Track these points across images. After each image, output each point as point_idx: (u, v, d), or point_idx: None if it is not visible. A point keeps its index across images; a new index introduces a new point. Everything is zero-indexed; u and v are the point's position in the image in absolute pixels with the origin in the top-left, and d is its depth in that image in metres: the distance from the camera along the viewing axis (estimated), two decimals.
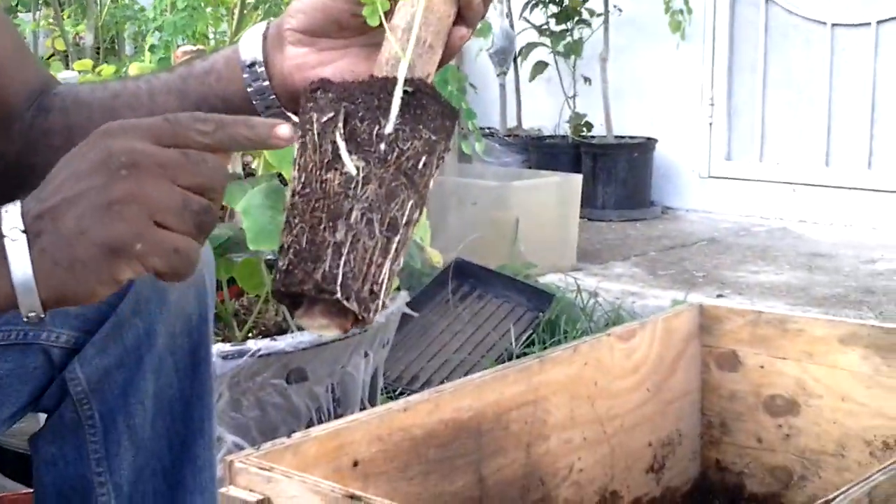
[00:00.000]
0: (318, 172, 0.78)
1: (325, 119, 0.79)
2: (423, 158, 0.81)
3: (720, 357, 1.62)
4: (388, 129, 0.79)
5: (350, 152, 0.78)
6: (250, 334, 1.96)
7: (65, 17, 3.28)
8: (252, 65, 0.94)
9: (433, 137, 0.81)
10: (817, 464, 1.54)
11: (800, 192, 4.58)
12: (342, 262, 0.76)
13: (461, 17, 0.87)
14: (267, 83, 0.94)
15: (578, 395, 1.45)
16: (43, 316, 0.74)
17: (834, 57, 4.51)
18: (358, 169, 0.78)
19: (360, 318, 0.78)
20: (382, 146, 0.79)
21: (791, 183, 4.60)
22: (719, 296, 1.55)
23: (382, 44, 0.86)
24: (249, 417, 1.75)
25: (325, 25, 0.92)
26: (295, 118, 0.97)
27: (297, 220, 0.78)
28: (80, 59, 2.66)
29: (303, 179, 0.79)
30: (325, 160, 0.78)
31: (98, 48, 3.10)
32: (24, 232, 0.73)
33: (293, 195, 0.79)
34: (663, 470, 1.57)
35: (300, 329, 1.90)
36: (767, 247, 4.04)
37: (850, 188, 4.43)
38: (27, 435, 1.83)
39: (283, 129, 0.78)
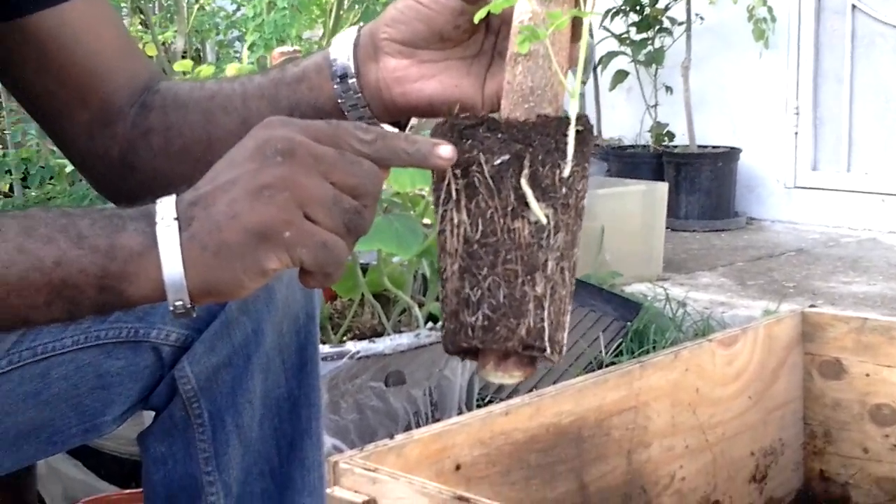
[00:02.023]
0: (502, 221, 0.75)
1: (498, 161, 0.75)
2: (586, 194, 0.79)
3: (823, 365, 1.58)
4: (567, 172, 0.76)
5: (537, 199, 0.75)
6: (345, 337, 1.96)
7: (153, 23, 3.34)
8: (343, 75, 0.92)
9: (590, 171, 0.79)
10: None
11: (889, 203, 4.49)
12: (545, 316, 0.75)
13: (573, 34, 0.83)
14: (359, 94, 0.92)
15: (680, 401, 1.42)
16: (190, 307, 0.73)
17: None
18: (547, 217, 0.75)
19: (552, 361, 0.77)
20: (564, 190, 0.76)
21: (880, 193, 4.51)
22: (812, 306, 1.52)
23: (509, 67, 0.82)
24: (348, 420, 1.75)
25: (427, 37, 0.90)
26: (390, 128, 0.95)
27: (485, 272, 0.75)
28: (170, 63, 2.69)
29: (481, 226, 0.75)
30: (509, 207, 0.75)
31: (184, 54, 3.14)
32: (177, 219, 0.73)
33: (468, 242, 0.75)
34: (766, 480, 1.54)
35: (397, 331, 1.90)
36: (858, 258, 3.97)
37: None
38: (123, 439, 1.85)
39: (446, 150, 0.76)
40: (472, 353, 0.78)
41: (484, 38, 0.92)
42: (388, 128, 0.95)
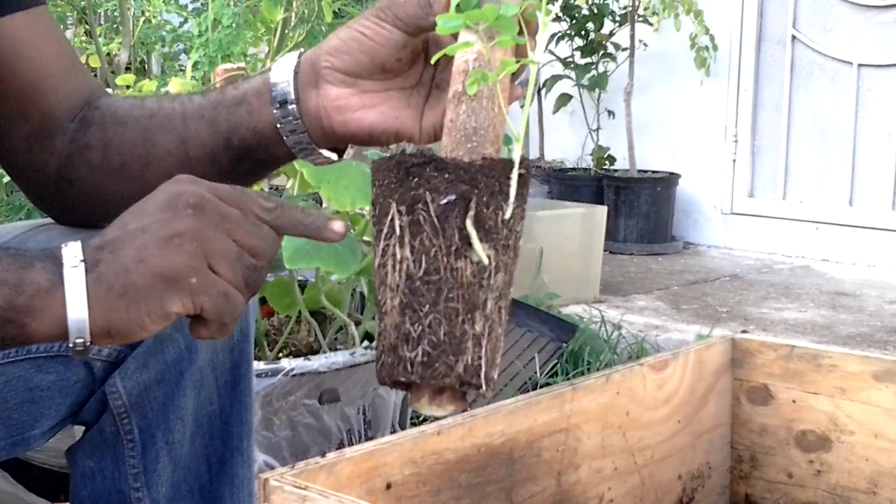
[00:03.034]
0: (445, 259, 0.76)
1: (444, 201, 0.77)
2: (522, 234, 0.81)
3: (751, 391, 1.61)
4: (508, 214, 0.78)
5: (481, 240, 0.77)
6: (280, 354, 1.95)
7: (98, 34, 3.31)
8: (283, 101, 0.93)
9: (527, 205, 0.81)
10: (848, 501, 1.52)
11: (823, 231, 4.56)
12: (482, 354, 0.77)
13: (513, 74, 0.85)
14: (298, 120, 0.93)
15: (610, 424, 1.44)
16: (89, 345, 0.76)
17: (859, 97, 4.50)
18: (489, 258, 0.77)
19: (484, 396, 0.79)
20: (505, 232, 0.78)
21: (814, 221, 4.59)
22: (744, 331, 1.55)
23: (452, 105, 0.83)
24: (281, 437, 1.75)
25: (369, 68, 0.91)
26: (328, 154, 0.96)
27: (427, 309, 0.76)
28: (114, 74, 2.68)
29: (424, 263, 0.76)
30: (453, 247, 0.76)
31: (129, 66, 3.12)
32: (84, 261, 0.76)
33: (411, 278, 0.77)
34: (692, 503, 1.56)
35: (333, 349, 1.90)
36: (790, 284, 4.03)
37: (873, 228, 4.42)
38: (53, 451, 1.82)
39: (338, 226, 0.84)
40: (406, 386, 0.80)
41: (423, 69, 0.93)
42: (326, 154, 0.96)
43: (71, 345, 0.75)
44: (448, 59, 0.87)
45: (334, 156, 0.96)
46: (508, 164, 0.79)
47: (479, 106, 0.82)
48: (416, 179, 0.78)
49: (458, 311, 0.76)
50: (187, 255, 0.75)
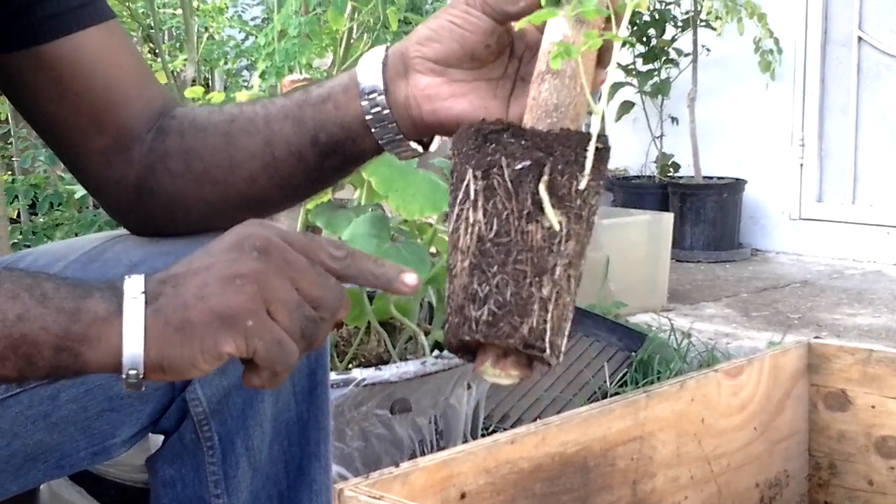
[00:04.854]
0: (516, 223, 0.77)
1: (519, 166, 0.78)
2: (597, 209, 0.81)
3: (829, 396, 1.58)
4: (583, 184, 0.79)
5: (553, 206, 0.78)
6: (350, 365, 1.96)
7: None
8: (371, 92, 0.93)
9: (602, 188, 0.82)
10: None
11: (894, 235, 4.49)
12: (548, 318, 0.77)
13: (599, 59, 0.86)
14: (387, 111, 0.93)
15: (685, 431, 1.42)
16: (142, 377, 0.76)
17: None
18: (560, 224, 0.78)
19: (549, 365, 0.79)
20: (578, 202, 0.79)
21: (885, 225, 4.52)
22: (816, 338, 1.54)
23: (535, 84, 0.84)
24: (353, 447, 1.75)
25: (460, 56, 0.92)
26: (415, 146, 0.97)
27: (495, 270, 0.77)
28: (180, 91, 2.71)
29: (496, 226, 0.78)
30: (525, 211, 0.77)
31: (194, 82, 3.16)
32: (144, 293, 0.76)
33: (481, 240, 0.78)
34: None
35: (403, 359, 1.90)
36: (863, 290, 3.97)
37: None
38: (127, 465, 1.84)
39: (411, 278, 0.83)
40: (472, 353, 0.80)
41: (508, 62, 0.94)
42: (413, 146, 0.97)
43: (124, 376, 0.76)
44: (533, 53, 0.90)
45: (420, 148, 0.97)
46: (585, 136, 0.80)
47: (562, 84, 0.83)
48: (493, 145, 0.79)
49: (525, 273, 0.77)
50: (247, 296, 0.76)
